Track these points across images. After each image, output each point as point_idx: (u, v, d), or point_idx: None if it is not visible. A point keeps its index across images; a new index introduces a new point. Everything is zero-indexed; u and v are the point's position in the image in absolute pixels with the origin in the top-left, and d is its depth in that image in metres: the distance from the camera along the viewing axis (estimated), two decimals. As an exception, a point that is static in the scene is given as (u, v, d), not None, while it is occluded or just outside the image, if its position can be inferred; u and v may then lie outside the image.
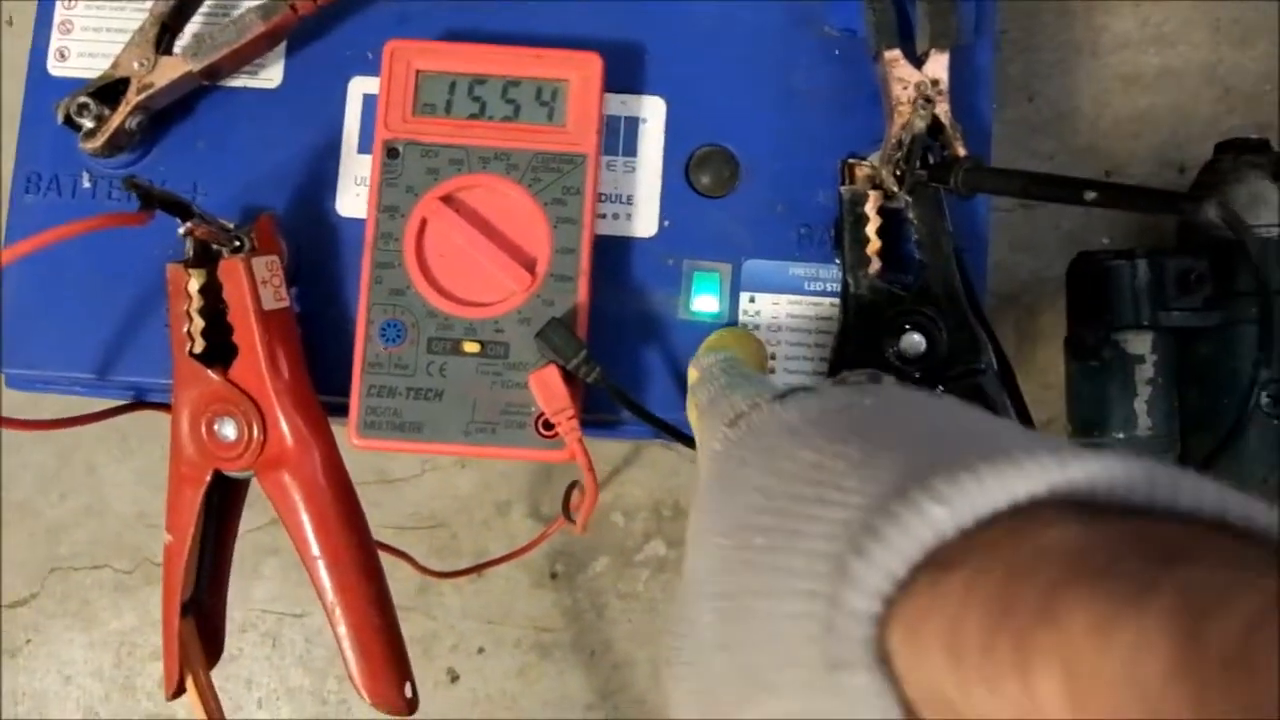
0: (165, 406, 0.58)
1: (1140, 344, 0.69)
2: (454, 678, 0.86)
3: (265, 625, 0.87)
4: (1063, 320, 0.74)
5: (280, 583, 0.88)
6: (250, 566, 0.87)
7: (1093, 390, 0.71)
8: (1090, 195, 0.48)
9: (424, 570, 0.81)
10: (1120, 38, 0.88)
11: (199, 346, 0.55)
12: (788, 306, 0.61)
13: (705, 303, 0.61)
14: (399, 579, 0.83)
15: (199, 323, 0.55)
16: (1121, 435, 0.70)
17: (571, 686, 0.87)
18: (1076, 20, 0.88)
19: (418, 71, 0.59)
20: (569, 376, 0.56)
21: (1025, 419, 0.59)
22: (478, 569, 0.83)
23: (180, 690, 0.57)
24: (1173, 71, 0.88)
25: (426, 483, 0.89)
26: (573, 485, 0.81)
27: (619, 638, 0.87)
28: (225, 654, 0.61)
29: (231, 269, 0.55)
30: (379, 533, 0.61)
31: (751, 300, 0.61)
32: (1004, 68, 0.87)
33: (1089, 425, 0.71)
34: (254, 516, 0.84)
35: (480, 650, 0.87)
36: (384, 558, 0.58)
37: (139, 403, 0.63)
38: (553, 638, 0.87)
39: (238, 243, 0.56)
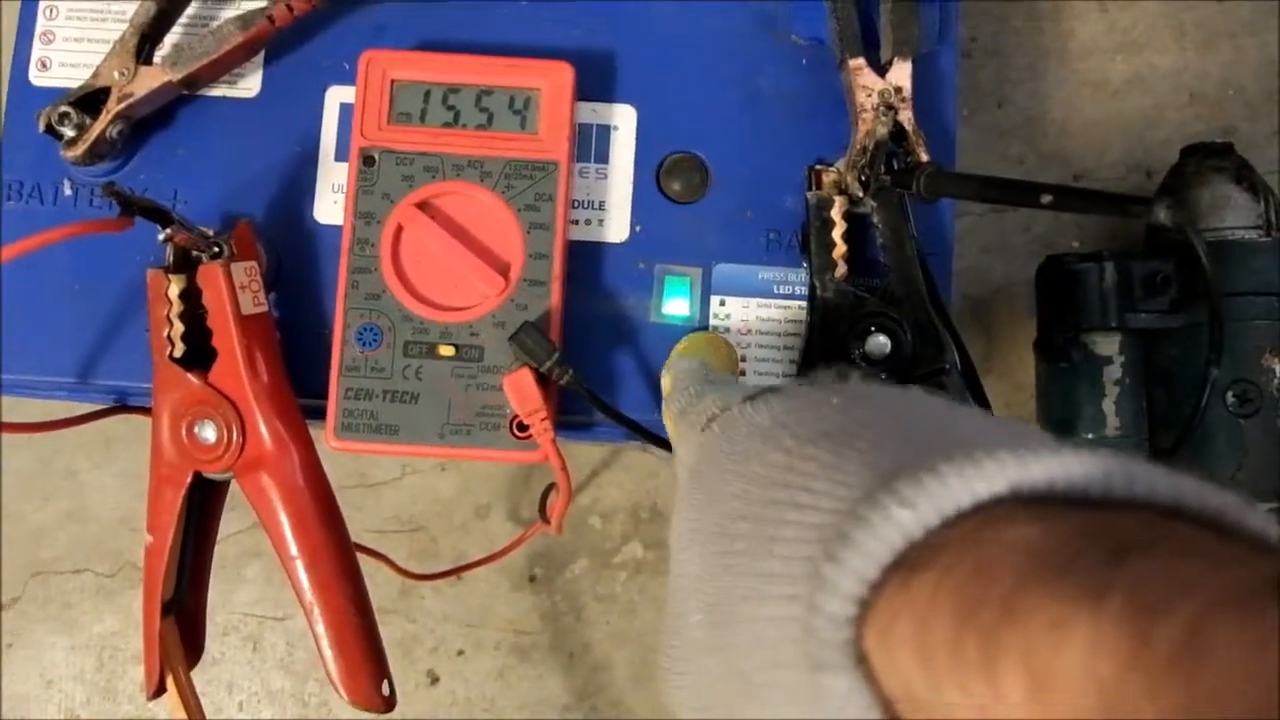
0: (146, 410, 0.58)
1: (1108, 345, 0.70)
2: (434, 680, 0.87)
3: (247, 629, 0.88)
4: (1033, 322, 0.75)
5: (263, 586, 0.88)
6: (233, 570, 0.88)
7: (1062, 391, 0.72)
8: (1046, 198, 0.49)
9: (404, 573, 0.81)
10: (1088, 44, 0.90)
11: (179, 350, 0.56)
12: (757, 310, 0.62)
13: (676, 306, 0.61)
14: (379, 582, 0.84)
15: (179, 327, 0.56)
16: (1090, 435, 0.71)
17: (550, 688, 0.87)
18: (1045, 27, 0.90)
19: (393, 81, 0.60)
20: (542, 379, 0.56)
21: (988, 417, 0.60)
22: (457, 571, 0.84)
23: (161, 690, 0.57)
24: (1140, 77, 0.89)
25: (406, 486, 0.89)
26: (550, 487, 0.82)
27: (597, 640, 0.88)
28: (207, 657, 0.62)
29: (211, 274, 0.55)
30: (359, 536, 0.61)
31: (722, 304, 0.62)
32: (974, 74, 0.88)
33: (1059, 425, 0.72)
34: (237, 520, 0.85)
35: (460, 652, 0.88)
36: (364, 560, 0.59)
37: (121, 406, 0.64)
38: (531, 640, 0.88)
39: (217, 249, 0.56)
